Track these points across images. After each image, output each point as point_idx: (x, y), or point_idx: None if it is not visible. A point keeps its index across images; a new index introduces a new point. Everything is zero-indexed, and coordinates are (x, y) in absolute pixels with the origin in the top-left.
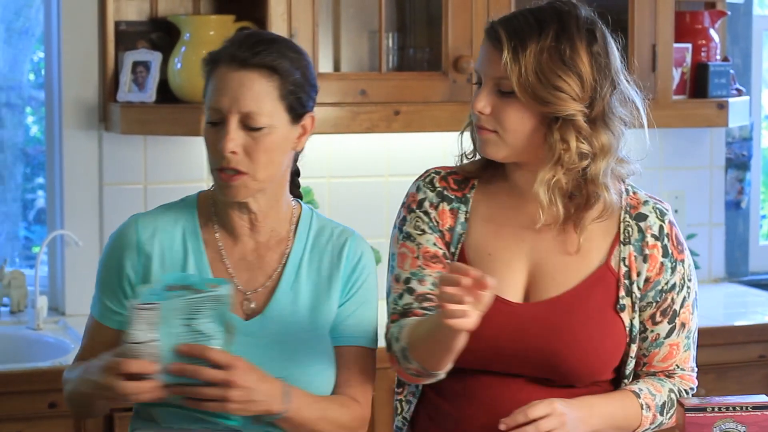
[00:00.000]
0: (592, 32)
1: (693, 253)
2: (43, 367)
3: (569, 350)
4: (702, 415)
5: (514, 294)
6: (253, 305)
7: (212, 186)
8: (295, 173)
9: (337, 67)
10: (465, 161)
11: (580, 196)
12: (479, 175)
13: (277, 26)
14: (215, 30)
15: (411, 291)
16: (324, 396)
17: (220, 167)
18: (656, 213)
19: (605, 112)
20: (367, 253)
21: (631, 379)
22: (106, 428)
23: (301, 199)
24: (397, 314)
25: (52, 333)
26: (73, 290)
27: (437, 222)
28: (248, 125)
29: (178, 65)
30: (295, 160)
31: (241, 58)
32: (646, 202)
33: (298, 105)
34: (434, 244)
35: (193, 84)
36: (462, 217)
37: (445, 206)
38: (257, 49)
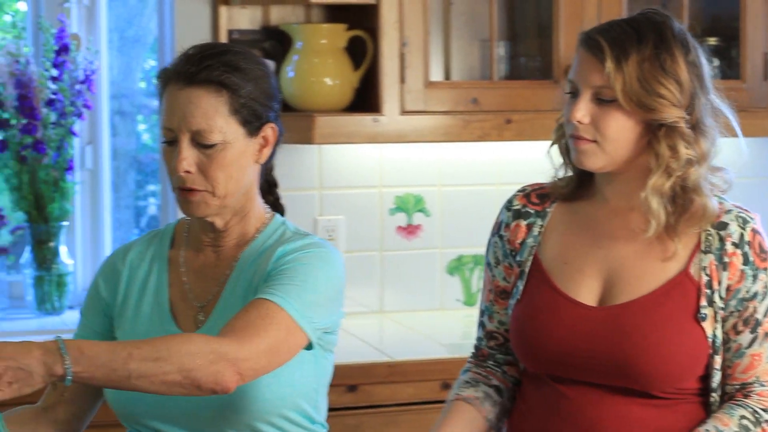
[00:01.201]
0: (686, 42)
1: None
2: None
3: (640, 354)
4: None
5: (589, 298)
6: (201, 317)
7: None
8: (272, 185)
9: (447, 75)
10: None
11: (677, 204)
12: (565, 192)
13: (389, 35)
14: (327, 39)
15: (483, 326)
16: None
17: (177, 186)
18: (738, 221)
19: (702, 118)
20: (308, 249)
21: (719, 392)
22: None
23: (282, 213)
24: (474, 348)
25: None
26: None
27: (509, 243)
28: (200, 143)
29: (291, 74)
30: (268, 171)
31: (187, 74)
32: (729, 211)
33: (253, 118)
34: (504, 278)
35: (306, 92)
36: (536, 231)
37: (521, 222)
38: (204, 63)
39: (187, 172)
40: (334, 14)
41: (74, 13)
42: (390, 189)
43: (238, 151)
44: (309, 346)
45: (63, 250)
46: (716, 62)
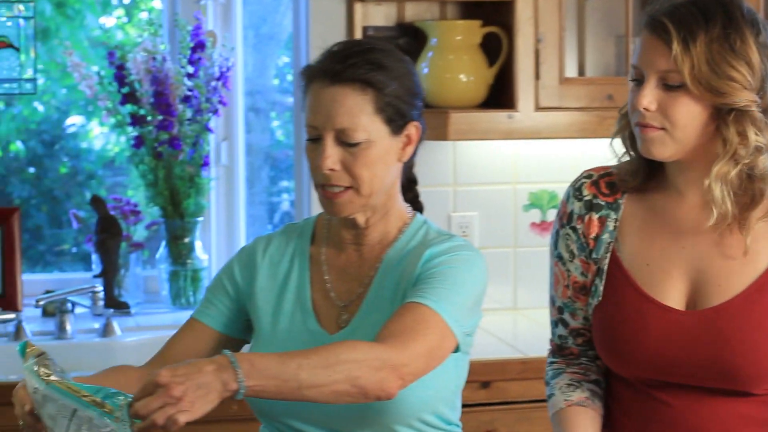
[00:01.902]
0: (755, 22)
1: None
2: None
3: (743, 357)
4: None
5: (677, 302)
6: (345, 317)
7: None
8: (412, 182)
9: (581, 71)
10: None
11: (744, 195)
12: (634, 185)
13: (524, 31)
14: (462, 35)
15: (565, 324)
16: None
17: (322, 184)
18: None
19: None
20: (455, 251)
21: None
22: None
23: (421, 211)
24: (555, 344)
25: None
26: None
27: (584, 237)
28: (344, 141)
29: (425, 70)
30: (408, 168)
31: (333, 72)
32: None
33: (397, 116)
34: (582, 273)
35: (440, 89)
36: (611, 225)
37: (593, 215)
38: (350, 61)
39: (332, 170)
40: (468, 10)
41: (210, 11)
42: (524, 185)
43: (382, 150)
44: (456, 350)
45: (198, 245)
46: None
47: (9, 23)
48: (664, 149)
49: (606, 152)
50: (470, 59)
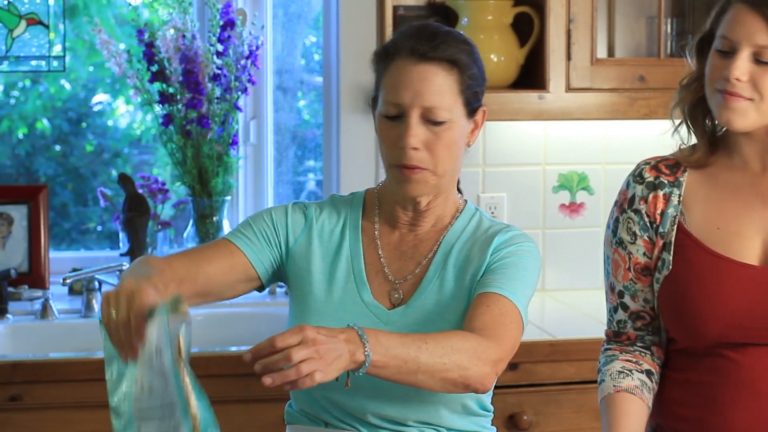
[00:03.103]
0: None
1: None
2: None
3: None
4: None
5: (753, 259)
6: (398, 295)
7: (382, 182)
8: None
9: (611, 53)
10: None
11: None
12: (695, 160)
13: (556, 11)
14: (493, 15)
15: (625, 307)
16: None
17: (401, 163)
18: None
19: None
20: (520, 241)
21: None
22: None
23: (461, 194)
24: (612, 331)
25: None
26: None
27: (648, 216)
28: (430, 119)
29: None
30: None
31: (421, 51)
32: None
33: (474, 99)
34: (644, 254)
35: None
36: (675, 200)
37: (658, 193)
38: (436, 41)
39: (415, 148)
40: None
41: None
42: (554, 166)
43: (460, 132)
44: None
45: (225, 224)
46: None
47: (38, 0)
48: (744, 119)
49: (635, 133)
50: (501, 39)
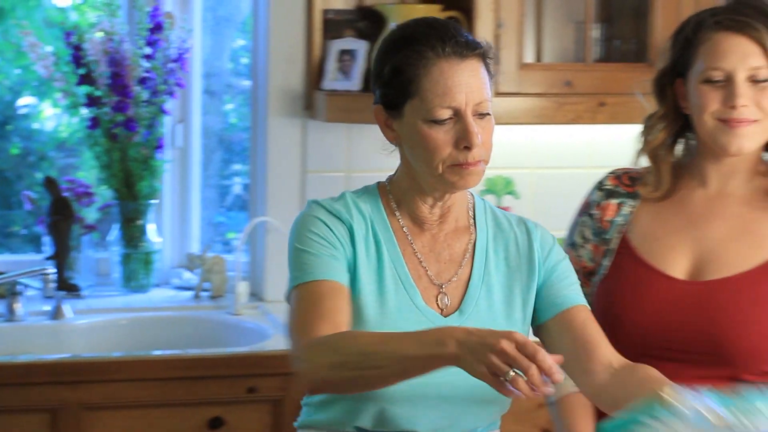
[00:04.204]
0: None
1: None
2: (242, 352)
3: (736, 332)
4: None
5: (680, 273)
6: (447, 300)
7: (391, 176)
8: None
9: (539, 57)
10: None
11: None
12: (657, 189)
13: (484, 16)
14: None
15: None
16: None
17: (466, 162)
18: None
19: None
20: (553, 239)
21: None
22: None
23: None
24: None
25: (251, 318)
26: (273, 276)
27: (598, 222)
28: (480, 113)
29: None
30: None
31: (459, 49)
32: None
33: (491, 90)
34: (591, 259)
35: None
36: (626, 210)
37: (611, 201)
38: (460, 37)
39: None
40: None
41: None
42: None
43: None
44: None
45: (151, 228)
46: None
47: None
48: (754, 141)
49: (562, 138)
50: None
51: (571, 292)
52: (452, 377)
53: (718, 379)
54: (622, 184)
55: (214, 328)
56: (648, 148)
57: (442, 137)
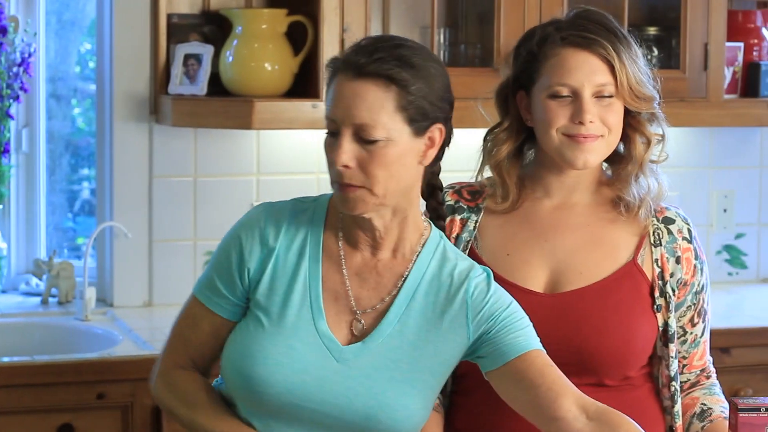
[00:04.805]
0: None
1: (741, 253)
2: (91, 358)
3: (594, 340)
4: (755, 415)
5: (537, 286)
6: (361, 325)
7: None
8: (437, 188)
9: None
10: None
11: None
12: (504, 200)
13: (330, 20)
14: (267, 23)
15: None
16: None
17: (335, 180)
18: (680, 217)
19: (657, 105)
20: (494, 287)
21: (678, 382)
22: (154, 423)
23: (444, 219)
24: None
25: (100, 324)
26: (121, 281)
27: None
28: (363, 138)
29: (230, 58)
30: (433, 175)
31: (356, 66)
32: (668, 208)
33: (420, 116)
34: None
35: (245, 77)
36: (471, 225)
37: (455, 217)
38: (376, 56)
39: (346, 166)
40: None
41: None
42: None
43: (402, 150)
44: None
45: None
46: (655, 52)
47: None
48: (599, 156)
49: None
50: (275, 48)
51: (519, 339)
52: (328, 407)
53: (583, 386)
54: (463, 198)
55: (62, 334)
56: (493, 160)
57: (328, 149)
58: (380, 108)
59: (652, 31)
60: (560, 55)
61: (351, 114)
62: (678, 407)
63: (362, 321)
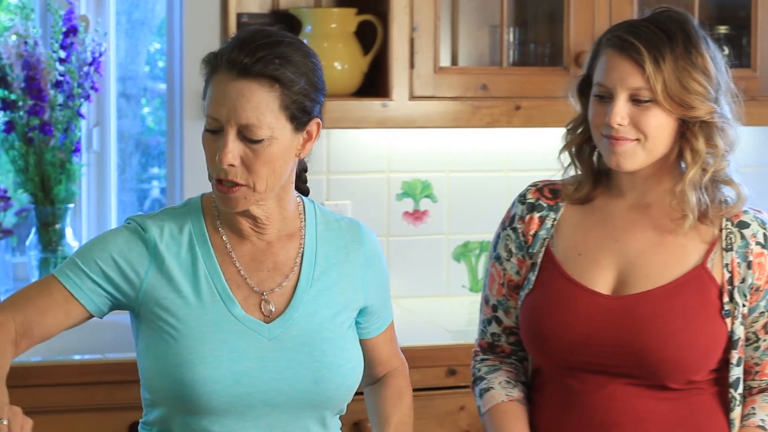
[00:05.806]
0: (706, 37)
1: None
2: None
3: (657, 342)
4: None
5: (603, 288)
6: (272, 306)
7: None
8: (303, 170)
9: (455, 61)
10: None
11: (708, 195)
12: (578, 191)
13: (399, 20)
14: (337, 23)
15: (498, 321)
16: (392, 410)
17: (218, 178)
18: (758, 221)
19: (727, 110)
20: (376, 239)
21: (741, 389)
22: None
23: (307, 194)
24: (486, 342)
25: None
26: None
27: (523, 236)
28: (247, 137)
29: None
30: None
31: (240, 65)
32: (746, 212)
33: (301, 113)
34: (517, 272)
35: None
36: (549, 223)
37: (534, 215)
38: (259, 54)
39: (231, 165)
40: None
41: None
42: (397, 174)
43: (283, 147)
44: None
45: (68, 232)
46: (726, 51)
47: None
48: (634, 160)
49: (478, 141)
50: (345, 47)
51: (380, 320)
52: (277, 384)
53: (646, 388)
54: (543, 197)
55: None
56: (570, 147)
57: (209, 146)
58: (265, 108)
59: (722, 30)
60: (602, 57)
61: (236, 114)
62: (734, 414)
63: (271, 301)
